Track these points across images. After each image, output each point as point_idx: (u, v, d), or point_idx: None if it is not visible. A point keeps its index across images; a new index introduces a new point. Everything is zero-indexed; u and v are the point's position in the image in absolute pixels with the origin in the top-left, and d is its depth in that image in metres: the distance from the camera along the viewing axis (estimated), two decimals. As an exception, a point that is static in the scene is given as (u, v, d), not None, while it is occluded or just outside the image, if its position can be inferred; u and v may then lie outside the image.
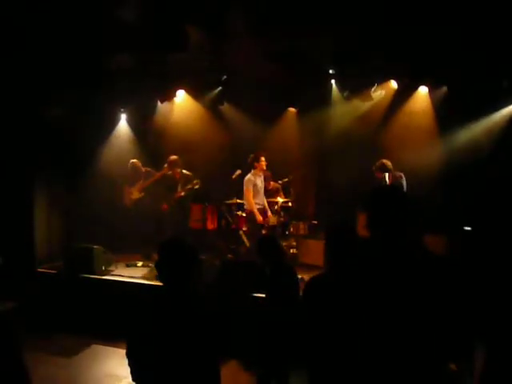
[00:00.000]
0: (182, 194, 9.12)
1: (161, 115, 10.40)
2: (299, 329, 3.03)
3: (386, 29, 7.39)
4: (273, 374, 4.79)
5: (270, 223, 9.06)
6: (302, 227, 9.31)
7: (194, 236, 8.96)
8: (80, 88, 8.52)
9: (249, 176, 8.62)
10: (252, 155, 8.66)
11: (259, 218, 8.58)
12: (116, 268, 8.32)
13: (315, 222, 9.48)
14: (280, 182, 9.71)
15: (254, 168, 8.63)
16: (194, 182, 9.09)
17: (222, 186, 9.35)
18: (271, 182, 9.65)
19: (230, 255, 9.03)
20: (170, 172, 9.22)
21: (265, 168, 8.72)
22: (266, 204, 8.89)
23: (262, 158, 8.62)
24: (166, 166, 9.36)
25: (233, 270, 6.95)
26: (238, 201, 9.01)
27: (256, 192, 8.65)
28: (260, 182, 8.71)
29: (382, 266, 2.66)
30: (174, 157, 9.20)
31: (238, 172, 8.75)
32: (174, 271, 3.06)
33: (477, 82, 7.83)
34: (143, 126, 10.49)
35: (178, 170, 9.16)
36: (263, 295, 6.00)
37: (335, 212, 8.41)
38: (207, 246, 9.18)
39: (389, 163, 7.96)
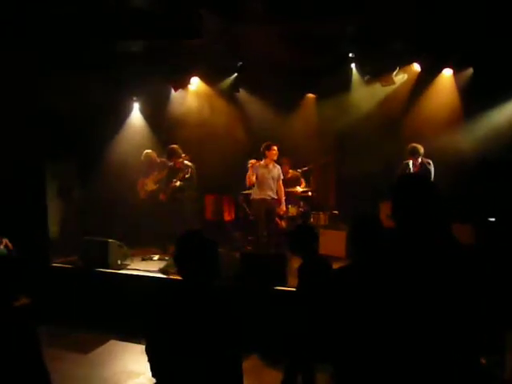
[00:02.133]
0: (177, 184, 9.01)
1: (175, 103, 10.42)
2: (326, 321, 3.03)
3: (408, 10, 7.31)
4: (299, 368, 4.78)
5: (290, 214, 9.11)
6: (323, 217, 9.29)
7: (211, 228, 9.10)
8: (92, 77, 8.55)
9: (254, 162, 8.65)
10: (264, 144, 8.64)
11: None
12: (132, 262, 8.31)
13: (336, 213, 9.48)
14: (299, 170, 9.70)
15: (265, 157, 8.62)
16: (185, 170, 8.98)
17: (239, 176, 9.33)
18: (290, 171, 9.65)
19: (248, 247, 9.10)
20: (171, 163, 9.16)
21: (275, 158, 8.64)
22: (280, 195, 8.80)
23: (274, 147, 8.57)
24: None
25: (253, 262, 6.96)
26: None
27: (259, 182, 8.62)
28: (267, 172, 8.60)
29: (409, 257, 2.65)
30: (172, 146, 9.08)
31: (252, 161, 8.75)
32: (193, 265, 3.07)
33: (504, 63, 7.69)
34: (157, 115, 10.55)
35: (180, 160, 9.04)
36: (285, 288, 6.02)
37: (357, 202, 8.39)
38: (225, 238, 9.19)
39: (418, 147, 8.05)
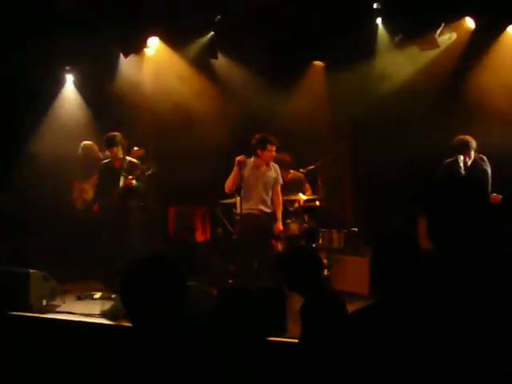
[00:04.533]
0: (133, 182, 8.87)
1: (125, 75, 10.41)
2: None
3: None
4: None
5: (290, 232, 9.08)
6: (337, 237, 9.26)
7: (176, 252, 9.20)
8: (7, 39, 8.57)
9: (242, 159, 8.54)
10: (258, 136, 8.55)
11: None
12: (63, 302, 8.28)
13: (355, 230, 9.47)
14: (303, 170, 9.64)
15: (256, 156, 8.58)
16: (145, 167, 8.91)
17: (216, 179, 9.28)
18: (290, 171, 9.60)
19: (230, 280, 9.09)
20: (107, 160, 9.22)
21: (271, 161, 8.65)
22: (276, 207, 8.77)
23: (271, 147, 8.50)
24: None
25: (238, 302, 6.93)
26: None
27: (246, 189, 8.57)
28: (257, 175, 8.59)
29: (456, 295, 2.63)
30: (112, 134, 9.04)
31: (241, 158, 8.66)
32: (149, 306, 3.05)
33: None
34: (100, 92, 10.51)
35: (120, 156, 9.07)
36: (284, 339, 6.02)
37: (385, 215, 8.45)
38: (196, 267, 9.23)
39: (470, 139, 8.10)
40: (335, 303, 4.71)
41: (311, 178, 9.78)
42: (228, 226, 9.45)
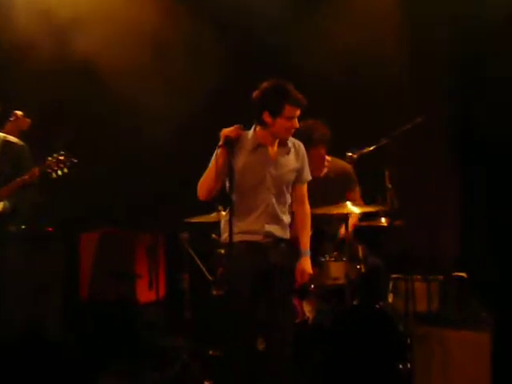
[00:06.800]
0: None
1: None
2: None
3: None
4: None
5: (329, 280, 8.62)
6: (424, 291, 8.83)
7: (91, 324, 9.39)
8: None
9: (231, 131, 7.34)
10: (266, 87, 7.27)
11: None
12: None
13: (463, 276, 9.13)
14: (352, 155, 8.86)
15: (262, 125, 7.30)
16: (52, 160, 8.39)
17: (178, 177, 9.53)
18: (328, 158, 9.24)
19: (207, 380, 8.72)
20: None
21: (289, 136, 7.44)
22: (300, 228, 7.74)
23: (292, 110, 7.21)
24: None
25: None
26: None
27: (241, 193, 7.38)
28: (261, 163, 7.37)
29: None
30: None
31: (228, 131, 7.67)
32: None
33: None
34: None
35: None
36: None
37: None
38: (139, 354, 9.36)
39: None
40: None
41: (368, 171, 9.21)
42: (202, 268, 9.22)
